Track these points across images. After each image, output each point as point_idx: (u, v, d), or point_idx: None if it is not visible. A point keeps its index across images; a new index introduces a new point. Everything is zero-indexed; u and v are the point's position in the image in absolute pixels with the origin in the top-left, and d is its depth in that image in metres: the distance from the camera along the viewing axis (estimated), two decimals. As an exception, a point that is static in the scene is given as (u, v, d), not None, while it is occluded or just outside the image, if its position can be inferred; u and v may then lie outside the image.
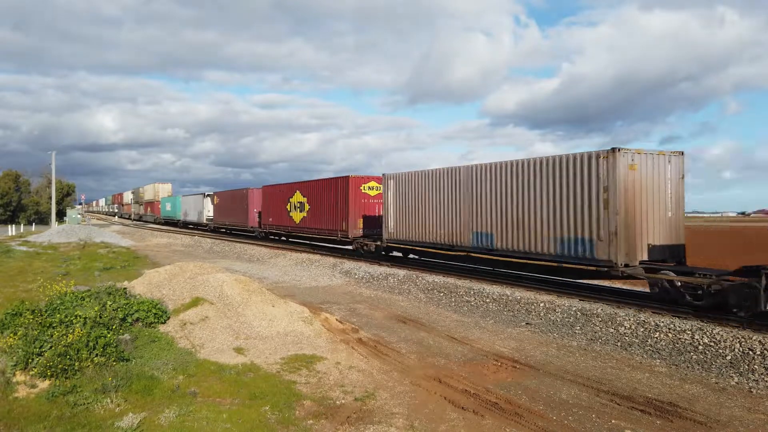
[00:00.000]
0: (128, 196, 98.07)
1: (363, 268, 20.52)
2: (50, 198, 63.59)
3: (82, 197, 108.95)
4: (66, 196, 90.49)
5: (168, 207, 63.18)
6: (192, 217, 52.63)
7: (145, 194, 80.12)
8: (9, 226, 54.23)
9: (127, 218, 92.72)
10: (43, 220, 74.28)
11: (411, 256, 22.44)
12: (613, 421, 6.86)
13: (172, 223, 61.18)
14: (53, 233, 41.66)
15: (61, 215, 70.79)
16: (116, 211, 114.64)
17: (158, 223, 66.22)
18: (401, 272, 18.72)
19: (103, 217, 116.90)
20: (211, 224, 47.17)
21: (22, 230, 52.04)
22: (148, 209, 75.68)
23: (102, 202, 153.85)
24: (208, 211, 47.62)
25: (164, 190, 73.84)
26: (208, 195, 47.80)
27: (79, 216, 59.31)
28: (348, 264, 21.83)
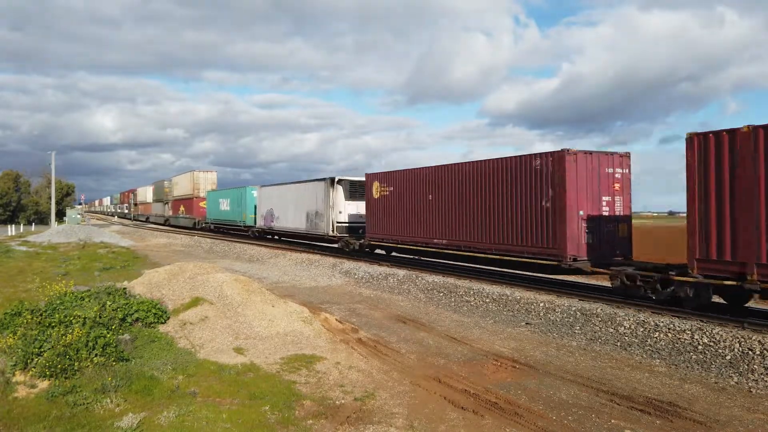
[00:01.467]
0: (145, 193, 76.03)
1: (363, 268, 20.52)
2: (50, 198, 63.57)
3: (82, 197, 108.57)
4: (66, 196, 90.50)
5: (224, 206, 42.49)
6: (292, 222, 30.11)
7: (175, 188, 58.54)
8: (9, 226, 54.24)
9: (143, 220, 73.70)
10: (42, 220, 74.28)
11: None
12: (612, 421, 6.86)
13: (228, 231, 42.71)
14: (53, 233, 41.66)
15: (60, 215, 70.78)
16: (126, 212, 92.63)
17: (204, 230, 46.84)
18: (401, 272, 18.71)
19: (103, 217, 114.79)
20: (352, 240, 24.53)
21: (21, 230, 52.04)
22: (181, 209, 54.90)
23: (106, 201, 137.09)
24: (340, 212, 25.68)
25: (207, 180, 52.19)
26: (340, 181, 25.92)
27: (78, 216, 59.27)
28: (348, 264, 21.84)
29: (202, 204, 48.86)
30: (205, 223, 47.36)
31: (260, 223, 35.49)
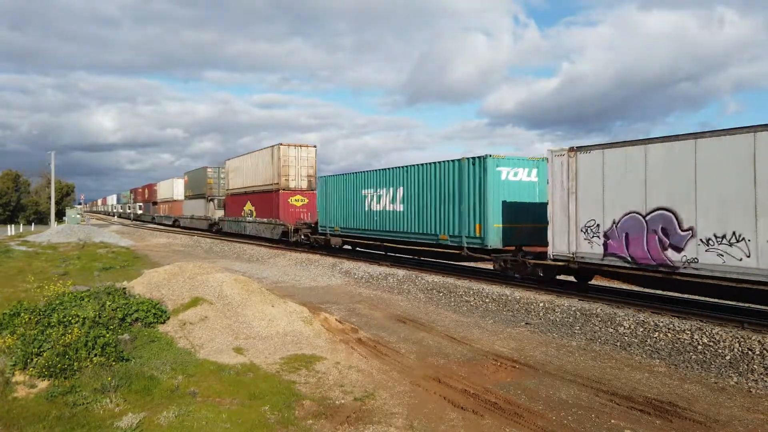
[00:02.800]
0: (172, 187, 57.66)
1: (362, 268, 20.52)
2: (49, 198, 63.60)
3: (82, 197, 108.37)
4: (65, 196, 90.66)
5: (381, 203, 21.36)
6: None
7: (233, 176, 39.04)
8: (8, 226, 54.29)
9: (170, 225, 57.70)
10: (42, 220, 74.36)
11: None
12: (612, 421, 6.86)
13: (398, 253, 21.90)
14: (52, 233, 41.66)
15: (60, 215, 70.80)
16: (140, 212, 77.06)
17: (312, 247, 27.28)
18: (400, 272, 18.71)
19: (103, 217, 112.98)
20: None
21: (21, 230, 52.05)
22: (248, 209, 35.55)
23: (111, 200, 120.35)
24: None
25: (301, 161, 31.72)
26: None
27: (78, 216, 59.25)
28: (347, 264, 21.83)
29: (295, 200, 30.71)
30: (319, 234, 26.08)
31: (580, 247, 13.29)
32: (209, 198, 44.71)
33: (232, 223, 39.31)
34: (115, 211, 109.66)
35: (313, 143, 32.50)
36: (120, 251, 30.49)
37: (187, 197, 52.10)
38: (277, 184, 31.41)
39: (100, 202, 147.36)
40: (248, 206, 35.85)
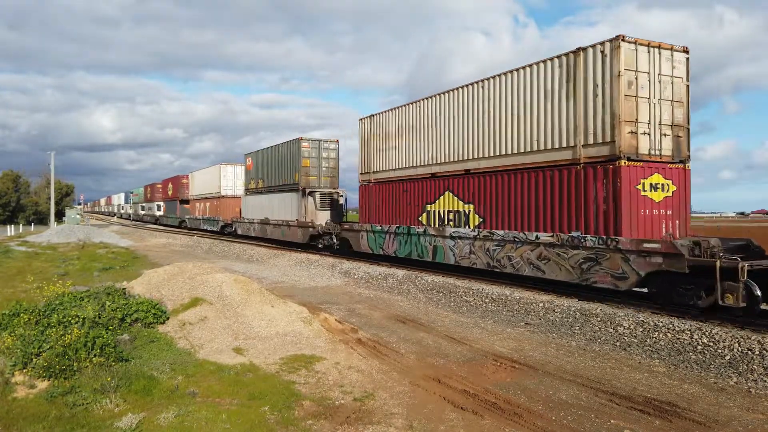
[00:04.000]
0: (218, 178, 41.97)
1: (362, 268, 20.53)
2: (49, 198, 63.62)
3: (81, 197, 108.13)
4: (65, 197, 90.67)
5: None
6: None
7: (383, 150, 21.13)
8: (8, 226, 54.31)
9: (214, 230, 42.29)
10: (42, 220, 74.37)
11: None
12: (612, 421, 6.86)
13: None
14: (52, 233, 41.68)
15: (60, 215, 70.81)
16: (159, 213, 63.29)
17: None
18: (400, 272, 18.72)
19: (102, 217, 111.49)
20: None
21: (21, 230, 52.06)
22: (439, 209, 17.75)
23: (118, 199, 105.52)
24: None
25: (663, 89, 12.64)
26: None
27: (78, 216, 59.24)
28: (347, 264, 21.84)
29: (650, 187, 12.61)
30: None
31: None
32: (308, 191, 28.18)
33: (382, 237, 21.41)
34: (122, 212, 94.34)
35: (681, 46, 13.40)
36: (119, 251, 30.49)
37: (250, 191, 35.75)
38: (612, 143, 12.70)
39: (103, 201, 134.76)
40: (445, 203, 18.18)
